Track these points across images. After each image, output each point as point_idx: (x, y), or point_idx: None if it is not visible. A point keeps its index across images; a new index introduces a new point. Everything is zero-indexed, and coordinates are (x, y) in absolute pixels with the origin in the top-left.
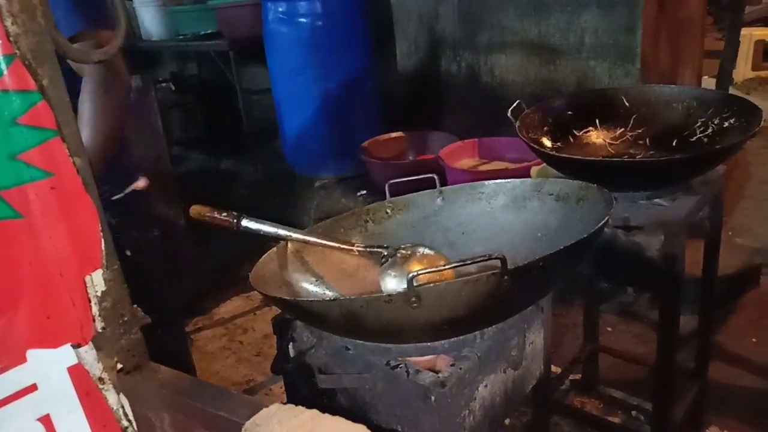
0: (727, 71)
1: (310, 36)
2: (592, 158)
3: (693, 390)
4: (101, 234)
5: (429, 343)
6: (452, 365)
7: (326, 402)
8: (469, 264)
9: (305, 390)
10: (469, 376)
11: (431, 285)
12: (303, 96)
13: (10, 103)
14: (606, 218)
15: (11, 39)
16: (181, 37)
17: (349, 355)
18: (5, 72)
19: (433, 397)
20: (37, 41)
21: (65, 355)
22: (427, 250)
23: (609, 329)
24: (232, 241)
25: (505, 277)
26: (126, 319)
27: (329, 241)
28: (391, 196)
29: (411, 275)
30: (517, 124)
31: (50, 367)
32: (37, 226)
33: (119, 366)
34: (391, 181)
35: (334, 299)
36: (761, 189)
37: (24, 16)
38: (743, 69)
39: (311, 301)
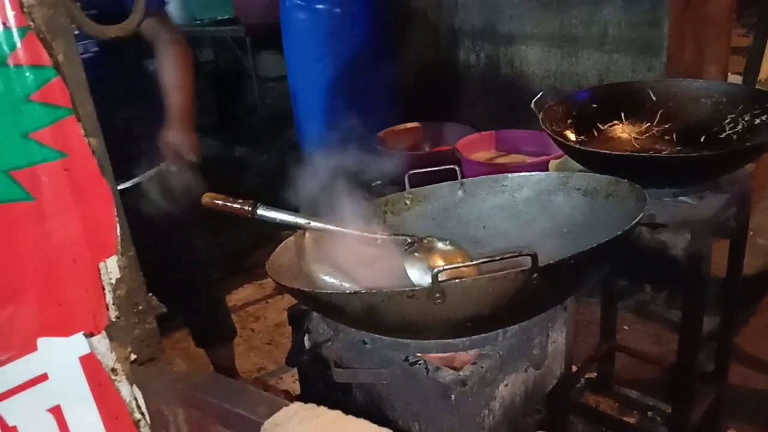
0: (754, 68)
1: (327, 23)
2: (618, 153)
3: (711, 393)
4: (116, 219)
5: (450, 340)
6: (473, 363)
7: (341, 396)
8: (498, 260)
9: (320, 383)
10: (491, 375)
11: (457, 281)
12: (319, 84)
13: (23, 78)
14: (639, 216)
15: (25, 10)
16: (198, 22)
17: (366, 349)
18: (18, 45)
19: (453, 396)
20: (52, 13)
21: (77, 344)
22: (449, 245)
23: (625, 328)
24: (244, 229)
25: (535, 275)
26: (141, 308)
27: (351, 229)
28: (411, 187)
29: (436, 270)
30: (541, 116)
31: (61, 356)
32: (49, 209)
33: (133, 357)
34: (411, 172)
35: (355, 292)
36: None
37: None
38: (766, 67)
39: (330, 293)
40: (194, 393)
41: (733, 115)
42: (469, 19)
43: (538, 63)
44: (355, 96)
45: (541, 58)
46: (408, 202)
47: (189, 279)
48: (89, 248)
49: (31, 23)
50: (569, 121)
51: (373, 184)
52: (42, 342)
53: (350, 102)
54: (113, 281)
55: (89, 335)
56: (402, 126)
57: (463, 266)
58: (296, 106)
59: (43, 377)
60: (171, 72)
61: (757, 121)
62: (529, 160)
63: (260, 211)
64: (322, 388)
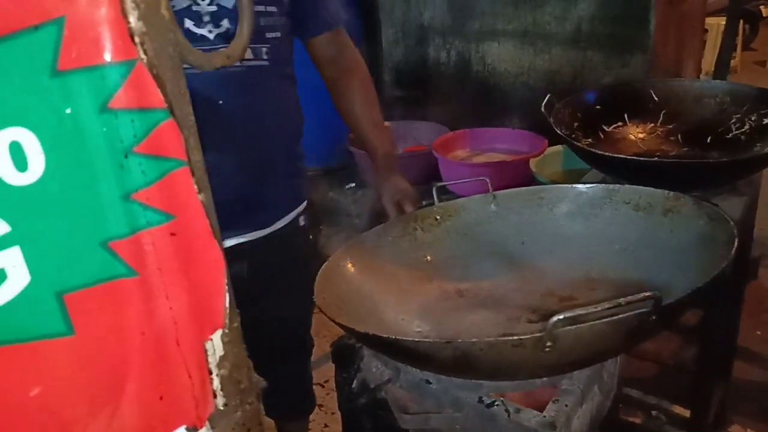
0: (725, 61)
1: None
2: (646, 158)
3: (719, 390)
4: (225, 287)
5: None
6: (555, 401)
7: None
8: (624, 305)
9: (367, 423)
10: (573, 412)
11: (572, 327)
12: None
13: (127, 126)
14: (735, 238)
15: (136, 40)
16: None
17: (432, 389)
18: (122, 85)
19: None
20: (161, 42)
21: None
22: None
23: None
24: None
25: (653, 317)
26: (243, 386)
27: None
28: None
29: (555, 319)
30: (551, 120)
31: None
32: (153, 284)
33: None
34: (438, 184)
35: (449, 341)
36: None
37: (147, 8)
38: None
39: (417, 341)
40: None
41: (739, 115)
42: (438, 16)
43: (510, 60)
44: (323, 94)
45: (514, 55)
46: (438, 217)
47: (283, 346)
48: (194, 325)
49: (143, 55)
50: (575, 124)
51: (346, 187)
52: None
53: (319, 100)
54: (217, 360)
55: (192, 429)
56: None
57: (583, 313)
58: None
59: None
60: (366, 106)
61: (765, 121)
62: (508, 158)
63: None
64: (369, 429)
